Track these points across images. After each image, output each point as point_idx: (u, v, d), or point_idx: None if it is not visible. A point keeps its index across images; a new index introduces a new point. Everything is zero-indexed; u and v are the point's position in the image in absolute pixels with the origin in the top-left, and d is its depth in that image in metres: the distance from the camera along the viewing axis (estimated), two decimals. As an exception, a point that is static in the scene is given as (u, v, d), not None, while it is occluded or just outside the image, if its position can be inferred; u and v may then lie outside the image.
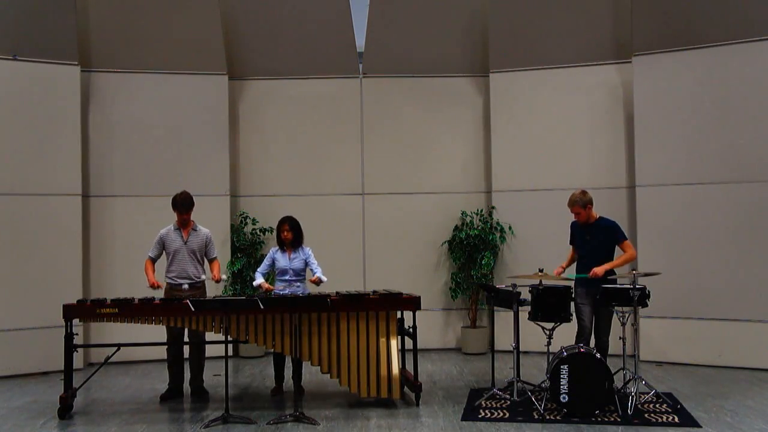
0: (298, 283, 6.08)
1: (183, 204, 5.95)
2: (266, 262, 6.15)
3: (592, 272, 5.51)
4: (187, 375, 6.11)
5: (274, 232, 7.56)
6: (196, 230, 6.08)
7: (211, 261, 6.17)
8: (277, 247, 6.16)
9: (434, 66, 8.30)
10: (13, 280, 7.07)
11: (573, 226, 5.93)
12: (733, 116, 7.01)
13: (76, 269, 7.38)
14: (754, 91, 6.92)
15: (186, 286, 5.92)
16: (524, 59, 8.01)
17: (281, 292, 5.97)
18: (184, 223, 6.02)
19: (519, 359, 5.70)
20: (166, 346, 5.98)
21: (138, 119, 7.84)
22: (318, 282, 5.93)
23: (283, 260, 6.06)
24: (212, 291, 7.08)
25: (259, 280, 6.05)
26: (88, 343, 7.21)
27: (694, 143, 7.16)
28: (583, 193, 5.69)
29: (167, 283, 5.99)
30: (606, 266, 5.54)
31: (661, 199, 7.28)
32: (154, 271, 5.99)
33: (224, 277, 5.94)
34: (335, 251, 7.81)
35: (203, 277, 6.09)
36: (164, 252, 6.04)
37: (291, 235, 6.06)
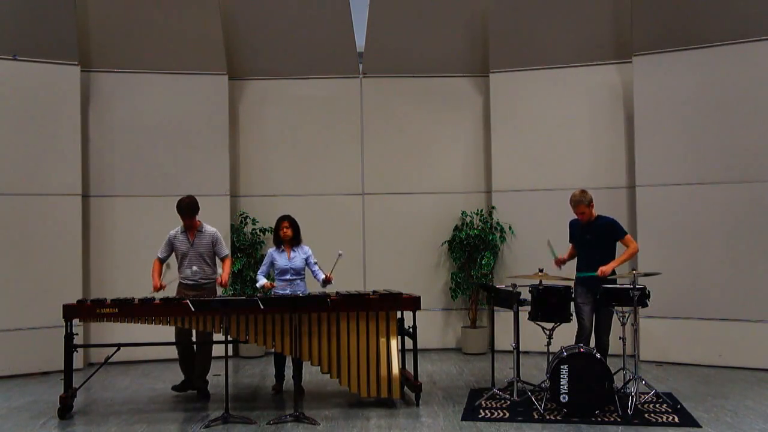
0: (299, 282, 6.08)
1: (187, 210, 5.92)
2: (265, 263, 6.15)
3: (600, 271, 5.51)
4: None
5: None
6: (201, 231, 6.04)
7: (222, 259, 6.13)
8: (275, 247, 6.15)
9: (434, 66, 8.30)
10: (13, 280, 7.07)
11: (572, 225, 5.92)
12: (733, 116, 7.01)
13: (76, 269, 7.38)
14: (754, 91, 6.92)
15: (195, 293, 5.90)
16: (524, 59, 8.01)
17: (282, 292, 5.97)
18: (190, 227, 6.02)
19: (519, 359, 5.70)
20: (168, 346, 6.02)
21: (138, 119, 7.84)
22: (329, 282, 5.94)
23: (282, 260, 6.06)
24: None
25: (261, 281, 6.05)
26: (88, 343, 7.20)
27: (694, 143, 7.17)
28: (583, 192, 5.69)
29: (179, 282, 6.03)
30: (612, 264, 5.56)
31: (661, 199, 7.28)
32: (160, 273, 5.99)
33: (227, 278, 5.96)
34: (335, 251, 7.79)
35: (213, 276, 6.07)
36: (174, 253, 6.08)
37: (290, 232, 6.06)
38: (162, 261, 6.06)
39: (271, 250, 6.16)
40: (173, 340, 6.08)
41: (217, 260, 6.15)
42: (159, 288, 5.83)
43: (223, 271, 6.07)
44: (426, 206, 8.24)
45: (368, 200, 8.30)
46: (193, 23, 7.82)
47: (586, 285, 5.64)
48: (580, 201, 5.65)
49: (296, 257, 6.07)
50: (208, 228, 6.10)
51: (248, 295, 6.34)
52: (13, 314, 7.03)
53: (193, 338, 6.08)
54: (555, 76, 7.96)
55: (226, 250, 6.17)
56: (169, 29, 7.83)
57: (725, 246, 6.99)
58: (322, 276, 6.00)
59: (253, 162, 8.34)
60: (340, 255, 5.86)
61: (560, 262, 5.84)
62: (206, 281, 6.03)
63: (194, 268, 5.97)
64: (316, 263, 6.12)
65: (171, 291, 6.02)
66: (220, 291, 6.24)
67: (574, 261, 5.91)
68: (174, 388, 6.08)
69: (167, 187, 7.68)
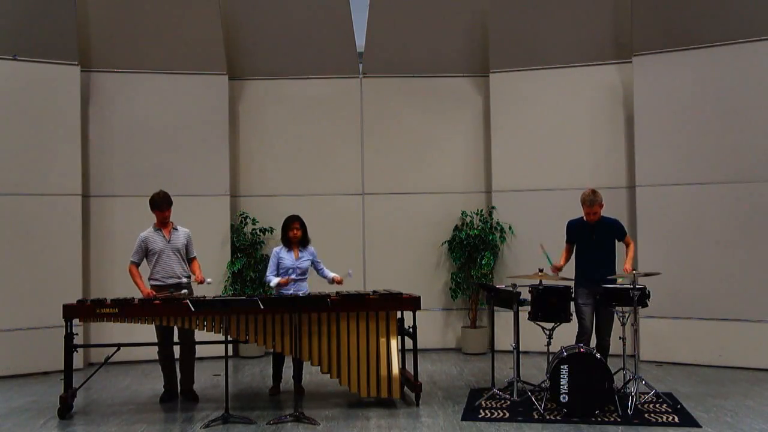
0: (302, 283, 6.07)
1: (163, 202, 5.86)
2: (272, 263, 6.09)
3: (628, 271, 5.54)
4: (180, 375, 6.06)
5: (275, 232, 7.55)
6: (177, 229, 6.00)
7: (191, 261, 6.08)
8: (281, 246, 6.13)
9: (434, 66, 8.31)
10: (13, 280, 7.07)
11: (573, 226, 5.91)
12: (733, 116, 7.01)
13: (76, 269, 7.38)
14: (754, 91, 6.92)
15: (184, 291, 5.85)
16: (524, 59, 8.01)
17: (285, 291, 5.96)
18: (164, 223, 5.95)
19: (519, 359, 5.70)
20: (157, 348, 5.93)
21: (138, 119, 7.84)
22: (341, 282, 5.94)
23: (289, 259, 6.04)
24: (212, 291, 7.08)
25: (274, 280, 6.00)
26: (88, 343, 7.21)
27: (694, 143, 7.17)
28: (596, 192, 5.69)
29: (153, 285, 5.86)
30: (631, 261, 5.68)
31: (661, 199, 7.29)
32: (141, 278, 5.89)
33: (209, 280, 5.85)
34: (335, 251, 7.79)
35: (189, 275, 6.02)
36: (146, 255, 5.94)
37: (300, 233, 6.06)
38: (137, 265, 5.94)
39: (277, 250, 6.13)
40: (173, 340, 6.04)
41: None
42: (151, 296, 5.70)
43: (197, 270, 6.01)
44: (426, 206, 8.24)
45: (368, 200, 8.30)
46: (193, 23, 7.82)
47: (587, 285, 5.64)
48: (595, 201, 5.65)
49: (303, 257, 6.07)
50: (182, 228, 6.05)
51: (248, 295, 6.34)
52: (13, 314, 7.03)
53: (175, 339, 6.00)
54: (555, 76, 7.96)
55: (195, 251, 6.13)
56: (169, 29, 7.83)
57: (725, 246, 6.99)
58: (331, 275, 6.00)
59: (253, 162, 8.34)
60: (349, 274, 5.90)
61: (557, 269, 5.81)
62: (186, 279, 5.98)
63: (180, 269, 5.92)
64: (320, 262, 6.13)
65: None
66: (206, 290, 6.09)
67: (570, 262, 5.91)
68: (162, 399, 5.93)
69: (167, 187, 7.53)
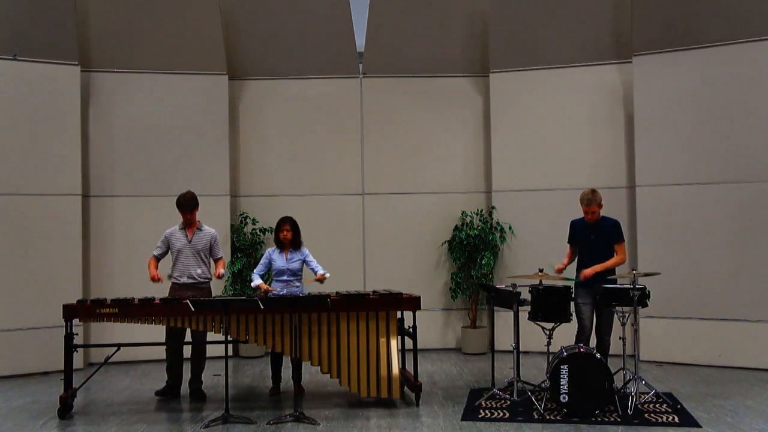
0: (296, 284, 6.07)
1: (187, 204, 5.92)
2: (263, 262, 6.14)
3: (582, 275, 5.55)
4: (185, 376, 6.08)
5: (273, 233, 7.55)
6: (201, 230, 6.05)
7: (216, 260, 6.12)
8: (274, 248, 6.15)
9: (434, 66, 8.31)
10: (13, 280, 7.07)
11: (574, 225, 5.91)
12: (733, 116, 7.00)
13: (76, 269, 7.38)
14: (754, 91, 6.91)
15: (190, 293, 5.85)
16: (524, 59, 8.02)
17: (279, 293, 5.96)
18: (189, 223, 6.01)
19: (519, 359, 5.70)
20: (165, 346, 5.97)
21: (138, 119, 7.84)
22: (323, 279, 5.90)
23: (280, 260, 6.05)
24: (212, 291, 7.09)
25: (257, 281, 6.04)
26: (88, 343, 7.21)
27: (694, 143, 7.17)
28: (595, 192, 5.67)
29: (172, 282, 5.98)
30: (596, 268, 5.55)
31: (661, 199, 7.29)
32: (156, 267, 5.97)
33: (223, 271, 5.90)
34: (335, 251, 7.80)
35: (208, 276, 6.05)
36: (169, 251, 6.04)
37: (291, 235, 6.05)
38: (157, 259, 6.04)
39: (270, 250, 6.15)
40: (184, 340, 6.04)
41: (211, 261, 6.14)
42: (157, 279, 5.81)
43: (219, 266, 6.02)
44: (426, 206, 8.24)
45: (368, 200, 8.30)
46: (193, 23, 7.82)
47: (587, 285, 5.64)
48: (593, 200, 5.64)
49: (294, 258, 6.06)
50: (208, 228, 6.11)
51: (248, 295, 6.33)
52: (13, 314, 7.03)
53: (186, 339, 6.04)
54: (555, 76, 7.96)
55: (221, 252, 6.20)
56: (169, 29, 7.83)
57: (725, 246, 6.99)
58: (320, 271, 5.95)
59: (253, 162, 8.34)
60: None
61: (561, 270, 5.80)
62: (204, 280, 6.02)
63: (198, 270, 5.95)
64: (313, 261, 6.10)
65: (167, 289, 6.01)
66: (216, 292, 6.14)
67: (574, 262, 5.91)
68: (158, 393, 5.97)
69: (167, 187, 7.67)
